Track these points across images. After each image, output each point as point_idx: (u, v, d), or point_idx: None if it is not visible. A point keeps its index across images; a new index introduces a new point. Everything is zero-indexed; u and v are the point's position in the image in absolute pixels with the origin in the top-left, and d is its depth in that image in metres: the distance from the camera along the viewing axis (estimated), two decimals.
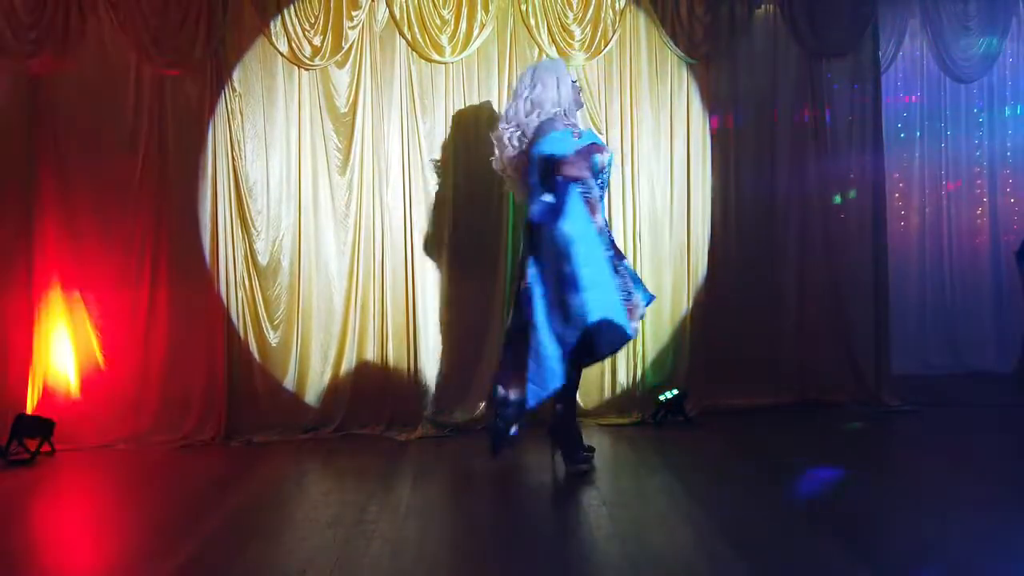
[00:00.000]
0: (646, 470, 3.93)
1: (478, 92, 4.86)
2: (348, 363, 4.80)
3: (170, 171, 4.71)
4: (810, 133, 5.10)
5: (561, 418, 3.87)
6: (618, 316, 3.55)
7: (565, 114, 3.83)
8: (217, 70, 4.70)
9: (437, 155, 4.84)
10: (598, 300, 3.52)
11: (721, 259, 5.03)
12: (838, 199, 5.13)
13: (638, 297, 3.74)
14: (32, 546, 3.16)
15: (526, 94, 3.89)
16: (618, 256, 3.84)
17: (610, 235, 3.84)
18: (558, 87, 3.85)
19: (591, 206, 3.67)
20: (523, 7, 4.84)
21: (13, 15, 4.52)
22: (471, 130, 4.83)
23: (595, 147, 3.69)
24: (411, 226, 4.81)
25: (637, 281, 3.84)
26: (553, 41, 4.84)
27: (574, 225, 3.59)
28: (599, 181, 3.75)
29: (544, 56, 4.82)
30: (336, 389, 4.79)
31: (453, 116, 4.84)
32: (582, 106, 3.99)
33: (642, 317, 3.89)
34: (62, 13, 4.57)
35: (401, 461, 4.18)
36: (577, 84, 4.00)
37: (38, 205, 4.64)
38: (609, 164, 3.82)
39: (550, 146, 3.65)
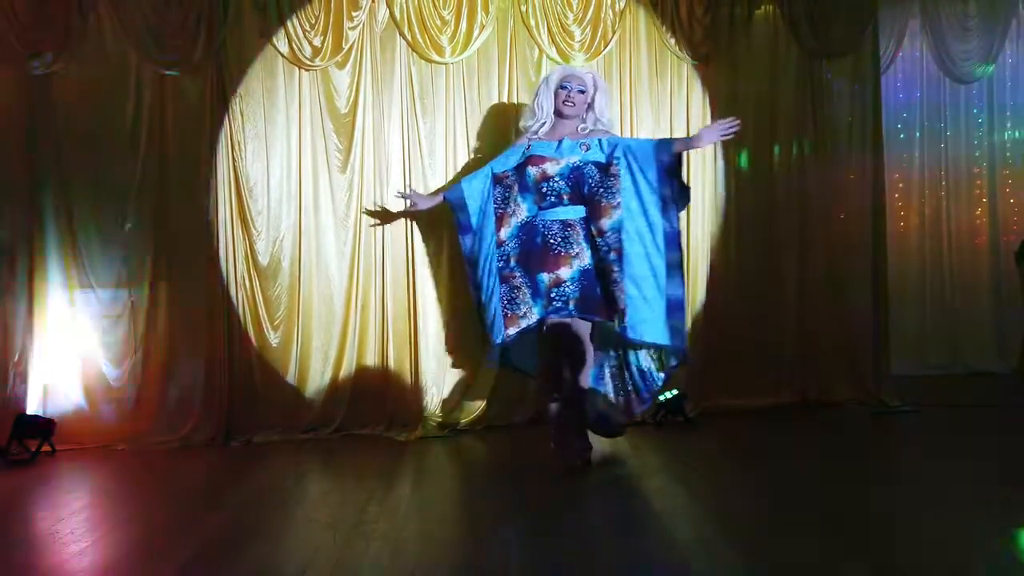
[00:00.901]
0: (646, 470, 3.93)
1: (478, 93, 4.86)
2: (348, 363, 4.80)
3: (170, 171, 4.72)
4: (810, 133, 5.10)
5: (556, 415, 3.90)
6: (492, 318, 4.02)
7: (539, 128, 4.05)
8: (218, 70, 4.70)
9: (437, 155, 4.85)
10: (483, 299, 4.09)
11: (721, 259, 5.04)
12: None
13: (528, 308, 3.95)
14: (32, 546, 3.16)
15: None
16: (606, 266, 3.91)
17: (559, 239, 3.94)
18: (534, 102, 4.09)
19: (499, 220, 4.09)
20: (523, 8, 4.84)
21: (14, 15, 4.53)
22: (471, 131, 4.84)
23: (530, 160, 3.99)
24: (412, 226, 4.81)
25: (536, 297, 3.95)
26: (553, 42, 4.85)
27: (476, 235, 4.16)
28: (544, 190, 3.97)
29: (545, 57, 4.85)
30: (336, 389, 4.79)
31: (453, 116, 4.84)
32: (568, 115, 4.00)
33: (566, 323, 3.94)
34: (63, 13, 4.57)
35: (401, 461, 4.18)
36: (572, 87, 3.99)
37: (38, 204, 4.65)
38: (560, 175, 3.94)
39: (496, 162, 4.16)
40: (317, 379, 4.80)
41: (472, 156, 4.79)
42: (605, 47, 4.89)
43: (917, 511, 3.23)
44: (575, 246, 3.93)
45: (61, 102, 4.65)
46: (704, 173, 5.04)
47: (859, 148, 5.14)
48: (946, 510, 3.22)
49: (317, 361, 4.80)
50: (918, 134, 6.00)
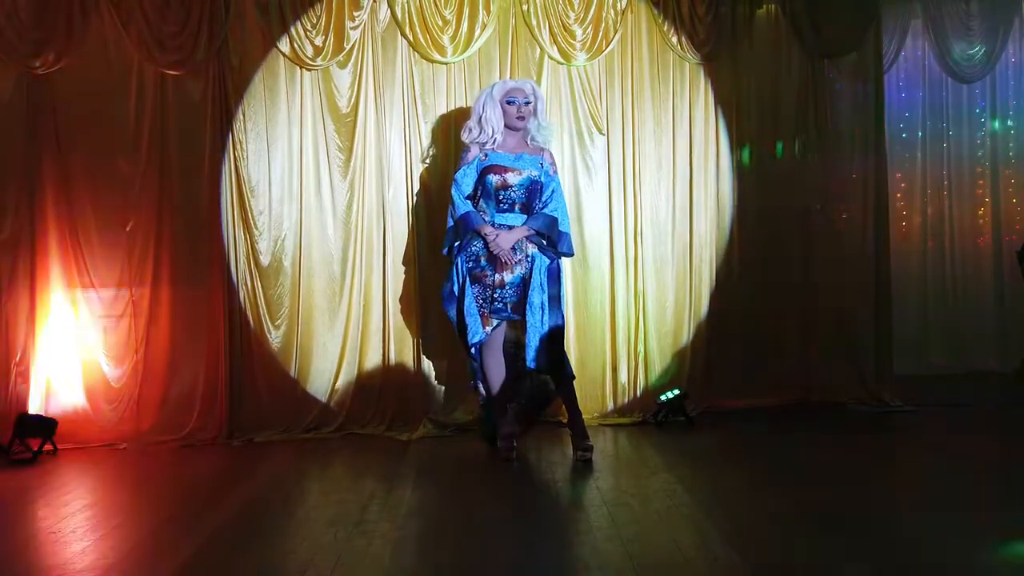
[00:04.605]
0: (647, 470, 3.93)
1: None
2: (350, 363, 4.81)
3: (172, 171, 4.73)
4: (812, 133, 5.10)
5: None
6: (470, 318, 4.12)
7: (491, 143, 4.16)
8: (219, 70, 4.71)
9: (439, 155, 4.85)
10: (455, 305, 4.21)
11: (723, 259, 5.03)
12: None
13: (498, 307, 4.11)
14: (34, 545, 3.16)
15: None
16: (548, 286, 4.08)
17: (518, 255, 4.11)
18: (480, 117, 4.18)
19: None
20: (524, 7, 4.84)
21: (15, 15, 4.53)
22: None
23: (491, 168, 4.12)
24: (413, 226, 4.81)
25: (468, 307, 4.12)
26: (554, 41, 4.85)
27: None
28: (501, 197, 4.12)
29: (546, 57, 4.85)
30: (337, 388, 4.80)
31: (455, 116, 4.84)
32: (518, 128, 4.18)
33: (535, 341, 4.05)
34: (64, 13, 4.57)
35: (402, 461, 4.18)
36: (519, 101, 4.15)
37: (40, 204, 4.66)
38: (520, 185, 4.11)
39: (464, 185, 4.18)
40: (318, 378, 4.80)
41: None
42: (607, 46, 4.88)
43: (917, 511, 3.23)
44: (518, 252, 4.11)
45: (62, 102, 4.65)
46: (706, 173, 5.03)
47: (861, 148, 5.14)
48: (946, 510, 3.21)
49: (319, 360, 4.80)
50: (920, 134, 5.98)
